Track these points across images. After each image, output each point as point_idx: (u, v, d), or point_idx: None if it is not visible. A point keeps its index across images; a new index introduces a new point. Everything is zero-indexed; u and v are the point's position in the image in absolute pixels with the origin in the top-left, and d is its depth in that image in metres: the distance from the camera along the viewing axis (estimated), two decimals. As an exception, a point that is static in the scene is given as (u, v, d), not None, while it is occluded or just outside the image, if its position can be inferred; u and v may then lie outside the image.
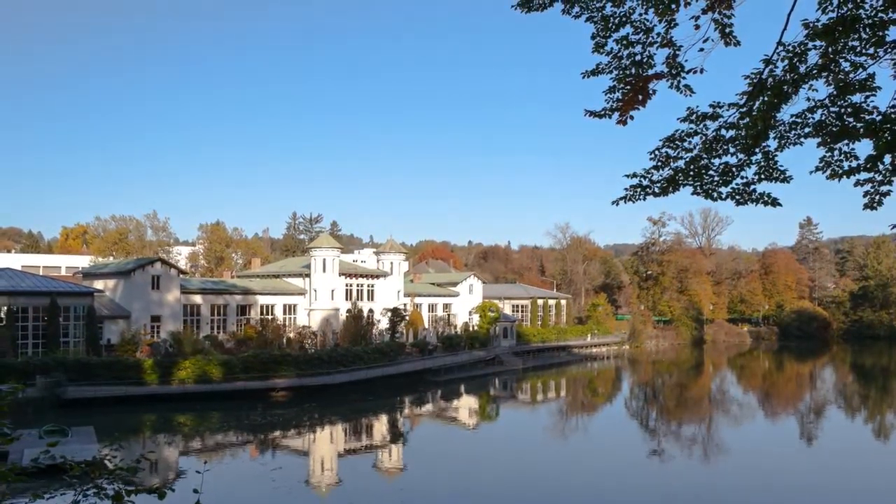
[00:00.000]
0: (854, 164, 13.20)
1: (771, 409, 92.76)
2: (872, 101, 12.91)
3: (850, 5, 12.50)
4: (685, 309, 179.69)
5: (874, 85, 12.90)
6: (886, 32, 12.29)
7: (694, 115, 14.29)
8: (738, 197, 14.36)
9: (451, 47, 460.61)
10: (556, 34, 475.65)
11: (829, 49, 12.72)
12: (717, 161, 14.36)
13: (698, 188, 14.52)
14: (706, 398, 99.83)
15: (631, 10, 14.50)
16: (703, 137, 14.32)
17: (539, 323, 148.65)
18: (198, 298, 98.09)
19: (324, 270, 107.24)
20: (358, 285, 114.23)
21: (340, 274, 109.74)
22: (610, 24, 14.74)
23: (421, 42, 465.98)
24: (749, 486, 49.21)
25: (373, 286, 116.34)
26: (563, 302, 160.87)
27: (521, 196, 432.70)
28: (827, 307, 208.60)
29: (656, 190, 14.59)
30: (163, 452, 57.97)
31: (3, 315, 76.21)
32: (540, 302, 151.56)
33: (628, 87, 14.47)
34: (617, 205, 14.84)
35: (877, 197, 13.16)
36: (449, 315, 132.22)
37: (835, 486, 50.21)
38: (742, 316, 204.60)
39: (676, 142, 14.47)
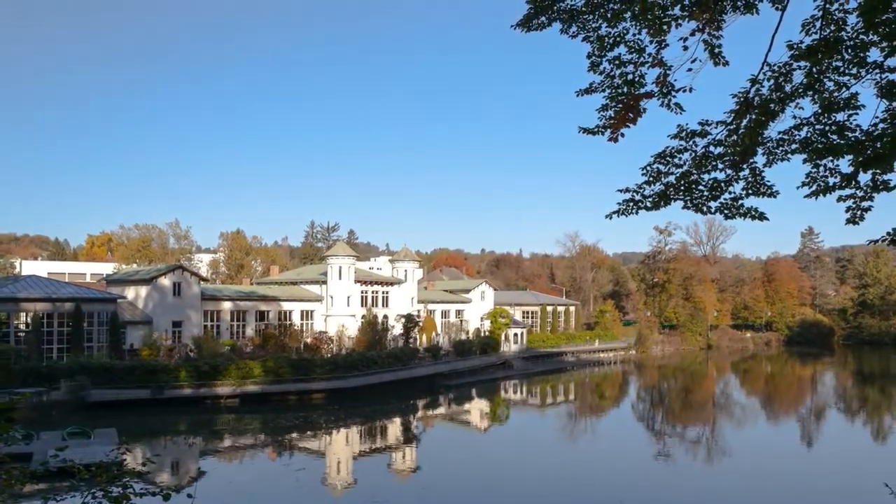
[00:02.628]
0: (835, 180, 13.27)
1: (778, 412, 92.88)
2: (855, 119, 12.97)
3: (832, 27, 12.58)
4: (690, 315, 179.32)
5: (858, 103, 12.95)
6: (867, 53, 12.37)
7: (684, 133, 14.34)
8: (726, 211, 14.40)
9: (463, 63, 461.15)
10: (561, 50, 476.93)
11: (814, 69, 12.78)
12: (706, 176, 14.42)
13: (688, 202, 14.55)
14: (713, 402, 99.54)
15: (625, 31, 14.59)
16: (693, 154, 14.36)
17: (548, 329, 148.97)
18: (218, 304, 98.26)
19: (340, 278, 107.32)
20: (373, 292, 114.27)
21: (356, 281, 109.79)
22: (605, 44, 14.84)
23: (435, 58, 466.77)
24: (752, 487, 49.29)
25: (387, 293, 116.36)
26: (572, 308, 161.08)
27: (533, 206, 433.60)
28: (827, 314, 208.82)
29: (648, 204, 14.63)
30: (181, 454, 58.29)
31: (29, 320, 76.57)
32: (549, 308, 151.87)
33: (620, 105, 14.57)
34: (610, 218, 14.87)
35: (858, 212, 13.15)
36: (461, 321, 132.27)
37: (836, 487, 50.23)
38: (745, 322, 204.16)
39: (667, 158, 14.51)
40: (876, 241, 13.05)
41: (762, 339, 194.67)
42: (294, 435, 66.62)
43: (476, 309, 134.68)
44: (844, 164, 13.30)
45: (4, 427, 9.60)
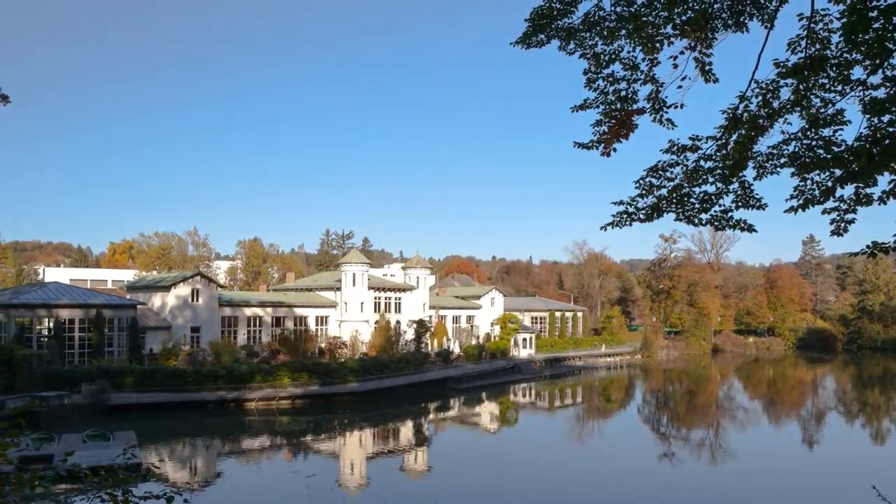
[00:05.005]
0: (816, 193, 13.31)
1: (781, 414, 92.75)
2: (840, 135, 13.03)
3: (817, 46, 12.65)
4: (695, 321, 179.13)
5: (845, 119, 13.02)
6: (851, 71, 12.43)
7: (675, 147, 14.43)
8: (716, 223, 14.44)
9: (475, 76, 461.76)
10: (565, 65, 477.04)
11: (801, 86, 12.84)
12: (697, 190, 14.46)
13: (680, 215, 14.59)
14: (722, 404, 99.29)
15: (620, 48, 14.75)
16: (684, 168, 14.43)
17: (557, 334, 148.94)
18: (235, 310, 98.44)
19: (353, 284, 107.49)
20: (386, 298, 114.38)
21: (369, 288, 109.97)
22: (601, 61, 14.96)
23: (447, 71, 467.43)
24: (754, 487, 49.28)
25: (400, 299, 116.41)
26: (580, 314, 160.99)
27: (543, 215, 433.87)
28: (829, 320, 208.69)
29: (641, 216, 14.67)
30: (196, 458, 58.47)
31: (51, 326, 76.86)
32: (558, 314, 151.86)
33: (614, 120, 14.65)
34: (605, 230, 14.96)
35: (842, 224, 13.19)
36: (472, 326, 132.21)
37: (833, 488, 50.19)
38: (748, 327, 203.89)
39: (659, 171, 14.58)
40: (856, 254, 13.07)
41: (764, 345, 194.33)
42: (308, 437, 66.71)
43: (486, 315, 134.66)
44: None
45: (13, 432, 9.69)
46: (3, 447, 9.58)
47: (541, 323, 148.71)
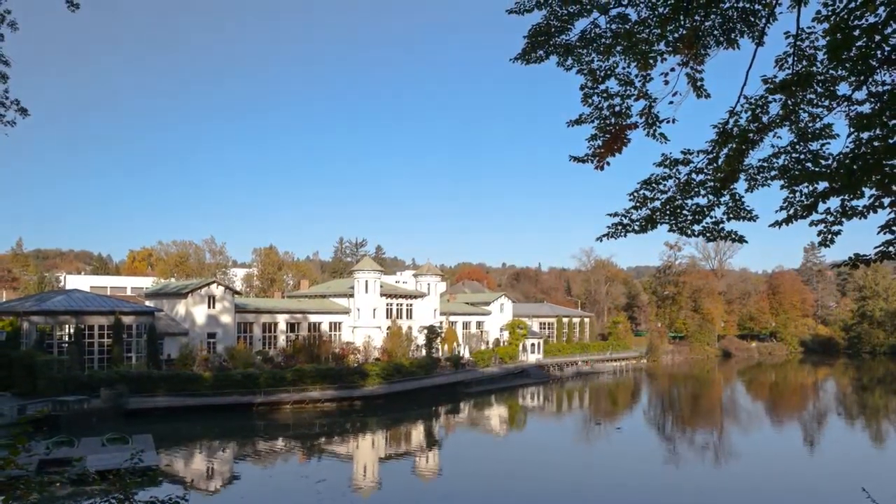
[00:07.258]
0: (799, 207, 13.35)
1: (788, 416, 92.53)
2: (828, 148, 13.10)
3: (804, 63, 12.71)
4: (699, 326, 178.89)
5: (833, 133, 13.08)
6: (837, 87, 12.49)
7: (668, 161, 14.49)
8: (708, 234, 14.51)
9: (484, 86, 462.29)
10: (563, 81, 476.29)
11: (789, 101, 12.90)
12: (689, 202, 14.52)
13: (673, 226, 14.63)
14: (725, 407, 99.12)
15: (615, 64, 14.84)
16: (677, 181, 14.49)
17: (564, 339, 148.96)
18: (251, 316, 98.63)
19: (366, 291, 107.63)
20: (398, 305, 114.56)
21: (382, 294, 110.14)
22: (597, 77, 15.06)
23: (460, 82, 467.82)
24: (756, 488, 49.22)
25: (411, 305, 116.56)
26: (587, 320, 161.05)
27: (551, 223, 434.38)
28: (829, 325, 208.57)
29: (636, 228, 14.73)
30: (207, 461, 58.41)
31: (71, 332, 77.13)
32: (565, 320, 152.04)
33: (608, 135, 14.72)
34: (601, 241, 15.05)
35: (829, 236, 13.20)
36: (481, 332, 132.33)
37: (837, 490, 50.09)
38: (751, 332, 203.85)
39: (653, 184, 14.65)
40: (839, 265, 13.12)
41: (767, 349, 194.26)
42: (322, 440, 66.71)
43: (496, 320, 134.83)
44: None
45: (22, 440, 9.76)
46: (14, 453, 9.66)
47: (549, 328, 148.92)
